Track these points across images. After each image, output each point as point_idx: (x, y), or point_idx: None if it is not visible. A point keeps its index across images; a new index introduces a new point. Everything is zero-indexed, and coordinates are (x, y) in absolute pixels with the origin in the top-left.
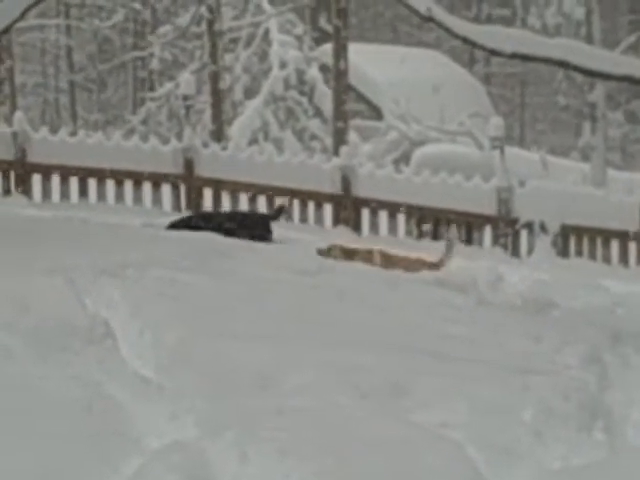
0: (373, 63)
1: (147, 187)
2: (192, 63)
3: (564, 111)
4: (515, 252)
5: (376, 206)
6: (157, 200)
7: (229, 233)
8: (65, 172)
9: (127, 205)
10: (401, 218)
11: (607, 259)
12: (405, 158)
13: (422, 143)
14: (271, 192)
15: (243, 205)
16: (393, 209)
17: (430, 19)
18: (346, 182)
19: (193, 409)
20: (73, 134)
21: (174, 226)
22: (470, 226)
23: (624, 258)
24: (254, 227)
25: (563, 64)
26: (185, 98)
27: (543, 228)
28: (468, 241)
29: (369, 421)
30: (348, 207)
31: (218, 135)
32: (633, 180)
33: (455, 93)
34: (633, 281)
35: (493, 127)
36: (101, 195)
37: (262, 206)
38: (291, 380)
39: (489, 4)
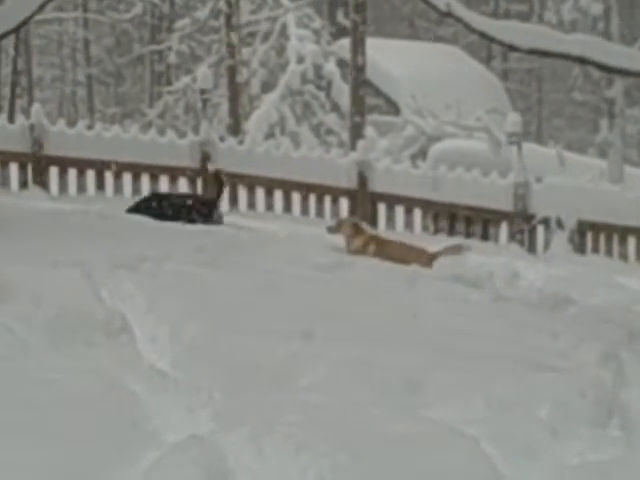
0: (390, 58)
1: (164, 180)
2: (209, 57)
3: (582, 107)
4: (531, 248)
5: (392, 201)
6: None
7: (180, 215)
8: (82, 165)
9: None
10: (417, 213)
11: (624, 256)
12: (422, 153)
13: (439, 138)
14: (288, 186)
15: (260, 199)
16: (409, 204)
17: (449, 14)
18: (363, 177)
19: (209, 403)
20: (90, 127)
21: (132, 210)
22: (486, 222)
23: None
24: (205, 208)
25: (582, 60)
26: (202, 92)
27: (560, 224)
28: (484, 237)
29: (385, 417)
30: (364, 202)
31: (235, 129)
32: None
33: (472, 88)
34: None
35: (510, 123)
36: (118, 188)
37: (278, 201)
38: (307, 376)
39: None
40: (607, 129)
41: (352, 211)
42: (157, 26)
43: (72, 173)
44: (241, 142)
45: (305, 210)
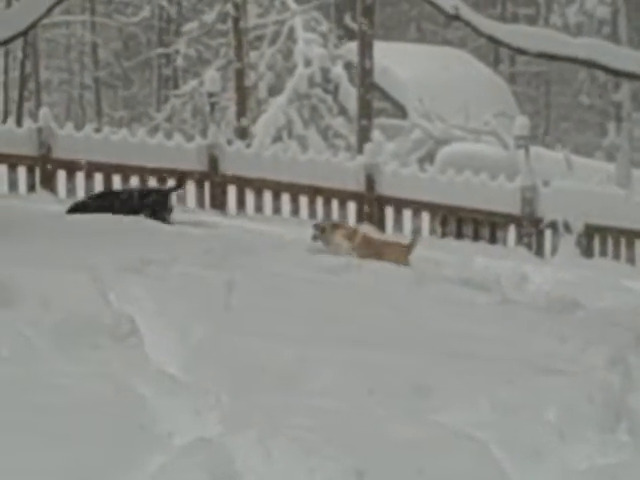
0: (398, 61)
1: (171, 184)
2: (217, 60)
3: (589, 111)
4: (539, 252)
5: (400, 204)
6: (181, 197)
7: (126, 211)
8: (90, 168)
9: None
10: (425, 217)
11: (631, 259)
12: (429, 157)
13: (446, 142)
14: (295, 190)
15: (267, 203)
16: (417, 208)
17: (456, 17)
18: (370, 180)
19: (217, 406)
20: (98, 130)
21: (73, 210)
22: (494, 225)
23: None
24: (153, 205)
25: (589, 63)
26: (210, 95)
27: (567, 228)
28: (492, 240)
29: (393, 421)
30: (372, 205)
31: (242, 132)
32: None
33: (480, 92)
34: None
35: (518, 126)
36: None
37: (286, 204)
38: (315, 379)
39: (514, 3)
40: (614, 132)
41: (359, 214)
42: (165, 29)
43: (80, 176)
44: (249, 145)
45: (313, 213)
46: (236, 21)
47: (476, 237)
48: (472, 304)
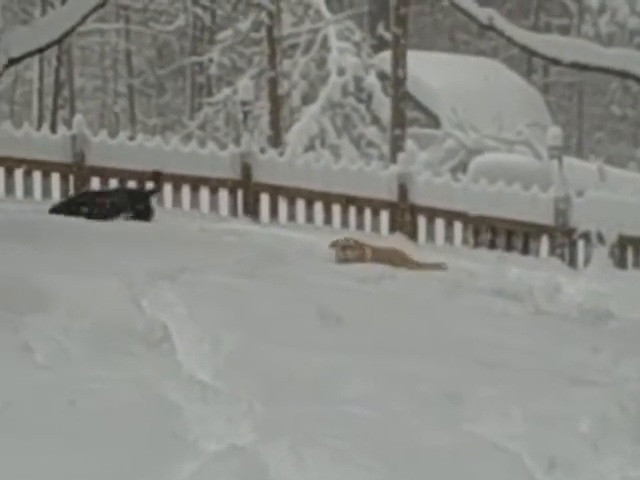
0: (431, 71)
1: (204, 192)
2: (250, 69)
3: (622, 121)
4: (572, 262)
5: (433, 214)
6: (214, 205)
7: (106, 213)
8: (123, 175)
9: (184, 209)
10: (458, 226)
11: None
12: (462, 166)
13: (479, 152)
14: (328, 198)
15: (300, 211)
16: (450, 217)
17: (491, 27)
18: (403, 189)
19: (249, 413)
20: (132, 138)
21: (55, 210)
22: (527, 236)
23: None
24: (134, 205)
25: (622, 74)
26: (243, 103)
27: (600, 239)
28: (525, 251)
29: (425, 430)
30: (405, 214)
31: (275, 141)
32: None
33: (513, 102)
34: None
35: (551, 136)
36: (158, 199)
37: (319, 213)
38: (348, 387)
39: (547, 13)
40: None
41: (392, 223)
42: (199, 38)
43: (113, 183)
44: (281, 154)
45: (345, 222)
46: (270, 30)
47: (509, 247)
48: (505, 314)
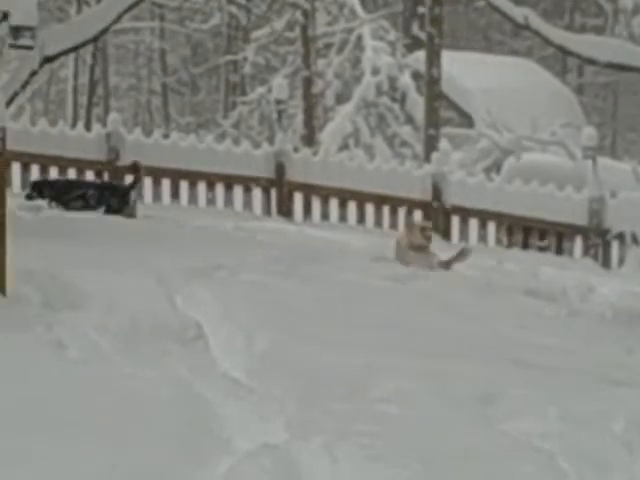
0: (465, 71)
1: (238, 190)
2: (285, 68)
3: None
4: (606, 263)
5: (466, 214)
6: (248, 203)
7: (81, 206)
8: (158, 174)
9: (218, 208)
10: (491, 226)
11: None
12: (496, 167)
13: (513, 152)
14: (361, 198)
15: (333, 210)
16: (483, 217)
17: (526, 27)
18: (437, 189)
19: (283, 412)
20: (166, 136)
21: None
22: (561, 236)
23: None
24: (111, 199)
25: None
26: (278, 102)
27: (634, 239)
28: (559, 251)
29: (459, 429)
30: (438, 214)
31: (309, 140)
32: None
33: (547, 102)
34: None
35: (586, 137)
36: (193, 197)
37: (352, 212)
38: (381, 387)
39: (582, 13)
40: None
41: None
42: (233, 36)
43: (148, 182)
44: (315, 153)
45: (379, 221)
46: (304, 29)
47: (542, 248)
48: (539, 314)
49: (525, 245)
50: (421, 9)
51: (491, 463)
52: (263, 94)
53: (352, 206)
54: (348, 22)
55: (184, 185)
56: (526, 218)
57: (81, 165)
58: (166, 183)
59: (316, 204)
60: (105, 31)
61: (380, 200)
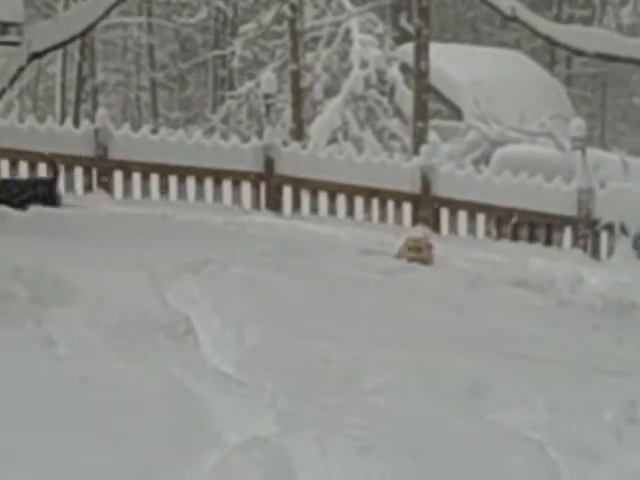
0: (453, 63)
1: (227, 185)
2: (273, 62)
3: None
4: (595, 254)
5: (455, 206)
6: (237, 198)
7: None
8: (146, 169)
9: (207, 203)
10: (480, 218)
11: None
12: (485, 159)
13: (502, 144)
14: (350, 191)
15: (323, 204)
16: (472, 209)
17: (514, 19)
18: (426, 182)
19: (273, 405)
20: (154, 132)
21: None
22: (550, 227)
23: None
24: (36, 193)
25: None
26: (266, 96)
27: (623, 230)
28: (548, 242)
29: (449, 421)
30: (427, 207)
31: (298, 134)
32: None
33: (536, 94)
34: None
35: (574, 128)
36: (181, 192)
37: (341, 205)
38: (371, 379)
39: (570, 4)
40: None
41: (415, 216)
42: (221, 31)
43: (136, 177)
44: (304, 147)
45: (368, 215)
46: (292, 23)
47: (532, 239)
48: (528, 306)
49: (514, 237)
50: (409, 1)
51: (481, 454)
52: (251, 88)
53: (341, 199)
54: (336, 15)
55: (173, 180)
56: (515, 209)
57: (70, 161)
58: (155, 178)
59: (305, 198)
60: (93, 26)
61: (369, 193)
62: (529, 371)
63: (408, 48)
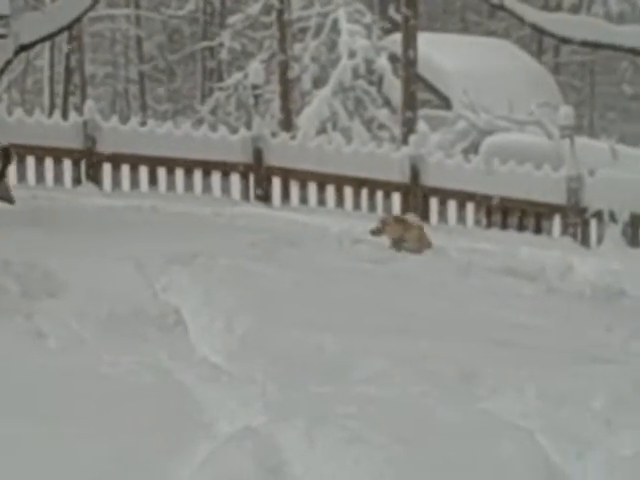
0: (442, 52)
1: (216, 176)
2: (261, 53)
3: (634, 100)
4: (584, 241)
5: (445, 195)
6: (226, 189)
7: None
8: (135, 161)
9: (196, 194)
10: (470, 207)
11: None
12: (474, 148)
13: (491, 133)
14: (340, 181)
15: (312, 194)
16: (462, 198)
17: (501, 7)
18: (415, 171)
19: (263, 395)
20: (143, 124)
21: None
22: (539, 215)
23: None
24: None
25: (634, 51)
26: (254, 87)
27: (613, 217)
28: (537, 230)
29: (439, 409)
30: (417, 196)
31: (286, 124)
32: None
33: (524, 82)
34: None
35: (563, 116)
36: (170, 184)
37: (330, 196)
38: (361, 368)
39: None
40: None
41: (404, 205)
42: (209, 22)
43: (125, 169)
44: (293, 137)
45: (357, 205)
46: (280, 13)
47: (521, 227)
48: (518, 294)
49: (504, 225)
50: None
51: (471, 442)
52: (240, 80)
53: (330, 190)
54: (324, 6)
55: (162, 172)
56: (504, 198)
57: (58, 154)
58: (144, 170)
59: (294, 188)
60: (80, 18)
61: (358, 183)
62: (519, 359)
63: (396, 38)
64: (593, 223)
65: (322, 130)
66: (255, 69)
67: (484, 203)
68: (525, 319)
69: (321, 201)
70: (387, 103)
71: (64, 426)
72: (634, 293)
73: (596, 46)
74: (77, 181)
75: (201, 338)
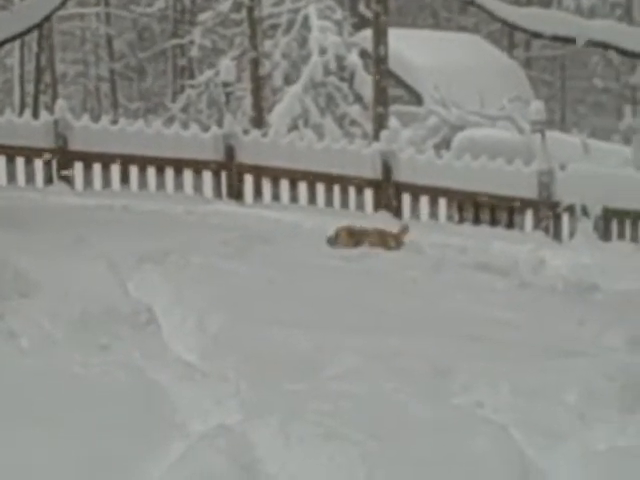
0: (413, 48)
1: (188, 174)
2: (232, 50)
3: (605, 94)
4: (556, 236)
5: (417, 191)
6: (198, 187)
7: None
8: (106, 160)
9: (168, 192)
10: (442, 203)
11: None
12: (445, 143)
13: (462, 128)
14: (312, 178)
15: (284, 191)
16: (434, 194)
17: (471, 2)
18: (387, 167)
19: (237, 393)
20: (114, 122)
21: None
22: (511, 210)
23: None
24: None
25: (604, 45)
26: (225, 85)
27: (585, 211)
28: (509, 225)
29: (412, 404)
30: (388, 192)
31: (258, 122)
32: None
33: (495, 77)
34: None
35: (534, 111)
36: (142, 182)
37: (303, 192)
38: (334, 365)
39: None
40: (631, 115)
41: (376, 201)
42: (179, 20)
43: (97, 168)
44: (265, 135)
45: (329, 201)
46: (250, 10)
47: (493, 222)
48: (490, 289)
49: (476, 220)
50: None
51: (445, 437)
52: (211, 77)
53: (303, 186)
54: (294, 2)
55: (134, 170)
56: (476, 193)
57: (29, 153)
58: (115, 169)
59: (267, 186)
60: (50, 16)
61: (330, 180)
62: (492, 354)
63: (367, 34)
64: (565, 217)
65: (294, 127)
66: (226, 66)
67: (456, 198)
68: (498, 314)
69: (293, 198)
70: (358, 99)
71: (33, 429)
72: (606, 287)
73: (566, 40)
74: (49, 180)
75: (174, 336)
